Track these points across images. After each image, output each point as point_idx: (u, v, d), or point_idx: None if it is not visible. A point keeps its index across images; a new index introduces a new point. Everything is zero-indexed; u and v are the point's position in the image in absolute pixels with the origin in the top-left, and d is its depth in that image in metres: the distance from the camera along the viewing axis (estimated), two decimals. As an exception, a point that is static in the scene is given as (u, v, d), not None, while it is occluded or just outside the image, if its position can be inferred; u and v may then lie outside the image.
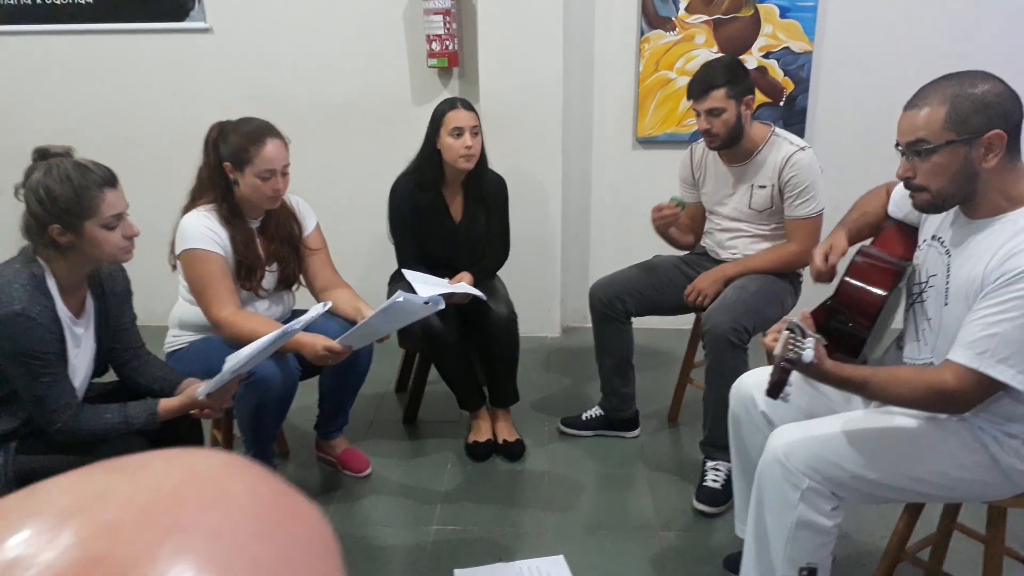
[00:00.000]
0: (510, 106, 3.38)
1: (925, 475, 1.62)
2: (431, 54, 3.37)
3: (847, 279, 1.83)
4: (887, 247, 1.89)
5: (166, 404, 1.81)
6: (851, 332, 1.80)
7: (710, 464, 2.45)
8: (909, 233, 1.87)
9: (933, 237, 1.74)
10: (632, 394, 2.78)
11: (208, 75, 3.54)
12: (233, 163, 2.23)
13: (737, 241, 2.62)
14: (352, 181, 3.61)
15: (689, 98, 2.47)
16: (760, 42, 3.37)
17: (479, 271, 2.76)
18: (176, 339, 2.36)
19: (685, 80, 3.41)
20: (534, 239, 3.54)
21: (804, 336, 1.65)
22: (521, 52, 3.31)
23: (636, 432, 2.82)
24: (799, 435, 1.68)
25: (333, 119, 3.57)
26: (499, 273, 2.90)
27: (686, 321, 2.83)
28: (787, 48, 3.36)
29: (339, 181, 3.62)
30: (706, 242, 2.76)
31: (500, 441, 2.70)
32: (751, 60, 3.38)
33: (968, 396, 1.51)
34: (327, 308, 1.98)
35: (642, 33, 3.39)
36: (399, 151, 3.57)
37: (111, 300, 1.91)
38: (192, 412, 1.87)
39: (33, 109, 3.63)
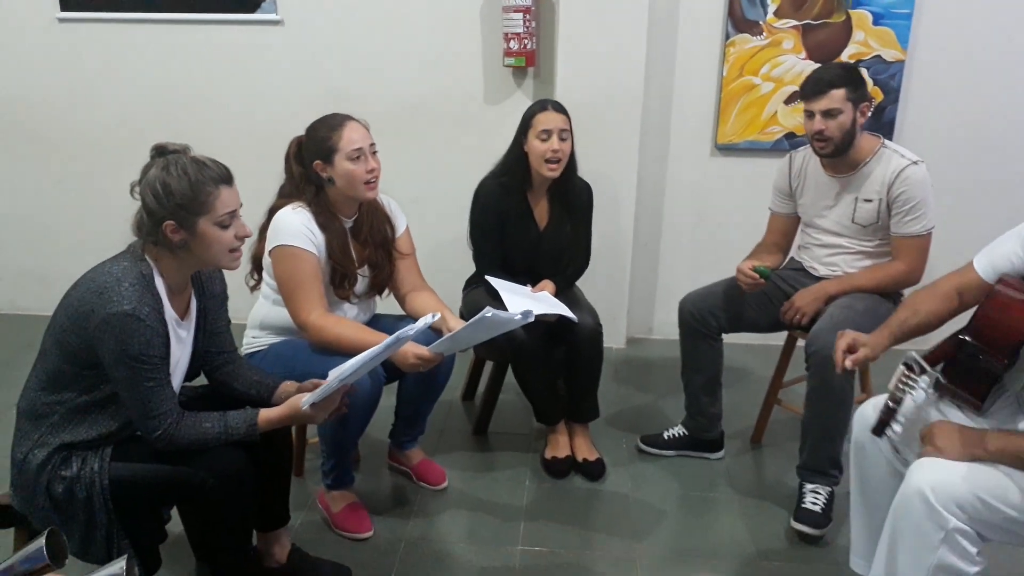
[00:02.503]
0: (587, 108, 3.27)
1: None
2: (508, 52, 3.28)
3: (985, 308, 1.71)
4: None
5: (266, 415, 1.72)
6: (982, 367, 1.68)
7: (809, 487, 2.33)
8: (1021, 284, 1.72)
9: None
10: (719, 414, 2.66)
11: (278, 68, 3.47)
12: (322, 158, 2.15)
13: (838, 258, 2.50)
14: (421, 181, 3.52)
15: (803, 97, 2.35)
16: (850, 49, 3.24)
17: (561, 280, 2.66)
18: (255, 340, 2.28)
19: (770, 86, 3.32)
20: (604, 246, 3.41)
21: (921, 372, 1.54)
22: (602, 52, 3.21)
23: (720, 454, 2.71)
24: (949, 469, 1.55)
25: (403, 117, 3.48)
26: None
27: (763, 339, 2.71)
28: (878, 56, 3.23)
29: (408, 180, 3.51)
30: (802, 257, 2.64)
31: (580, 459, 2.60)
32: (840, 68, 3.24)
33: None
34: (436, 319, 1.88)
35: (727, 36, 3.27)
36: (470, 151, 3.51)
37: (210, 302, 1.83)
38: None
39: (103, 97, 3.57)
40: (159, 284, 1.65)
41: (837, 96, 2.28)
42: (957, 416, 1.75)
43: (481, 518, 2.36)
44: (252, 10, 3.38)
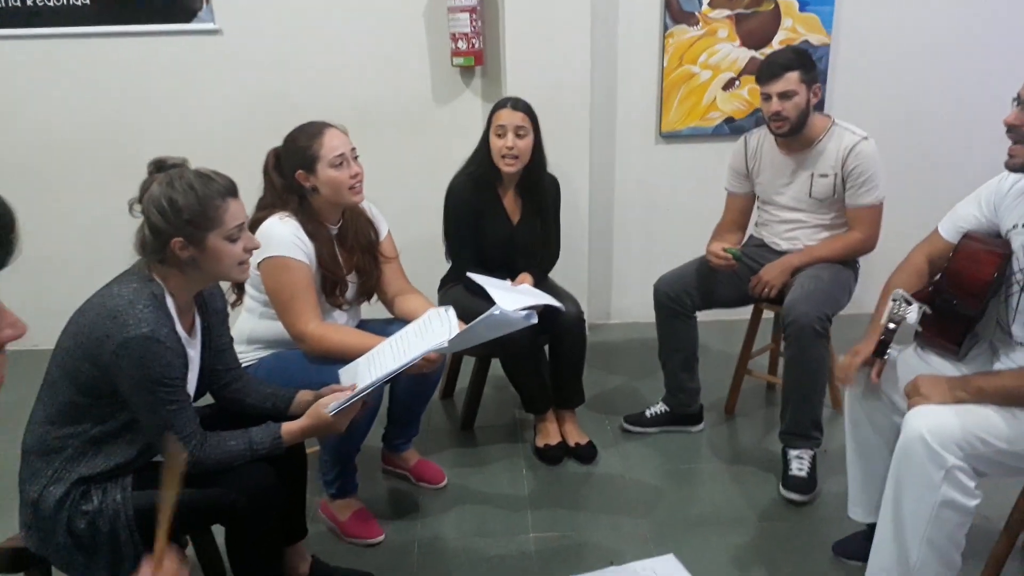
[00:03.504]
0: (536, 103, 3.30)
1: None
2: (456, 52, 3.30)
3: (954, 260, 1.86)
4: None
5: (290, 428, 1.70)
6: (957, 312, 1.84)
7: (793, 453, 2.46)
8: (986, 238, 1.89)
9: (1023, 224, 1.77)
10: (698, 389, 2.78)
11: (218, 79, 3.38)
12: (304, 168, 2.13)
13: (798, 232, 2.65)
14: (374, 185, 3.44)
15: (759, 81, 2.48)
16: (780, 35, 3.42)
17: (537, 272, 2.72)
18: (244, 355, 2.22)
19: (708, 74, 3.46)
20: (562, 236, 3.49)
21: (908, 304, 1.72)
22: (549, 49, 3.27)
23: (701, 426, 2.82)
24: (942, 413, 1.69)
25: (352, 122, 3.36)
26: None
27: (718, 315, 2.82)
28: (806, 41, 3.43)
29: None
30: (762, 233, 2.78)
31: (572, 444, 2.66)
32: (772, 53, 3.42)
33: None
34: (452, 316, 1.89)
35: (666, 28, 3.40)
36: (422, 153, 3.53)
37: (214, 319, 1.79)
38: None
39: (30, 117, 3.38)
40: (170, 304, 1.61)
41: (792, 78, 2.42)
42: (938, 363, 1.90)
43: (488, 511, 2.39)
44: (188, 20, 3.28)
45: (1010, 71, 3.46)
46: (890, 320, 1.71)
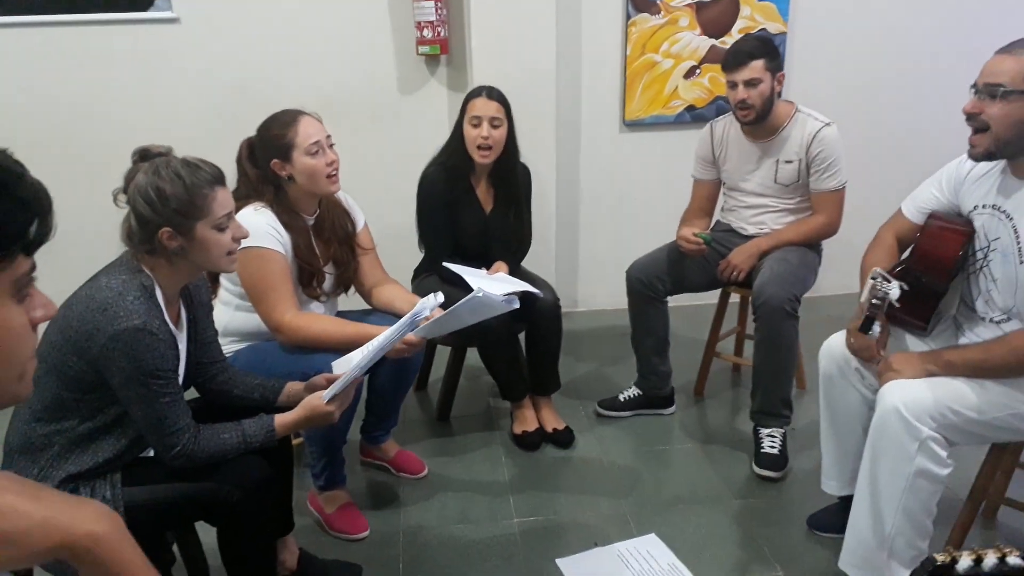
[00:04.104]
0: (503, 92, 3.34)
1: None
2: (421, 41, 3.29)
3: (922, 239, 1.95)
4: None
5: (283, 420, 1.68)
6: (926, 288, 1.92)
7: (764, 432, 2.54)
8: (950, 217, 1.98)
9: (984, 206, 1.85)
10: (670, 372, 2.84)
11: (178, 69, 3.30)
12: (280, 156, 2.11)
13: (764, 216, 2.72)
14: (340, 176, 3.45)
15: (725, 69, 2.53)
16: (739, 24, 3.50)
17: (511, 261, 2.73)
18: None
19: (670, 63, 3.52)
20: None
21: (887, 281, 1.80)
22: (514, 38, 3.28)
23: (672, 408, 2.88)
24: (916, 387, 1.76)
25: (316, 112, 3.40)
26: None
27: (681, 300, 2.88)
28: (764, 29, 3.51)
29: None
30: (728, 219, 2.84)
31: (550, 430, 2.69)
32: (731, 41, 3.48)
33: None
34: (440, 299, 1.89)
35: (629, 17, 3.44)
36: (387, 142, 3.51)
37: (200, 311, 1.76)
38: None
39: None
40: (159, 295, 1.58)
41: (757, 66, 2.48)
42: (907, 340, 1.99)
43: (469, 498, 2.41)
44: (144, 8, 3.19)
45: (965, 57, 3.60)
46: (872, 297, 1.78)
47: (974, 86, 1.76)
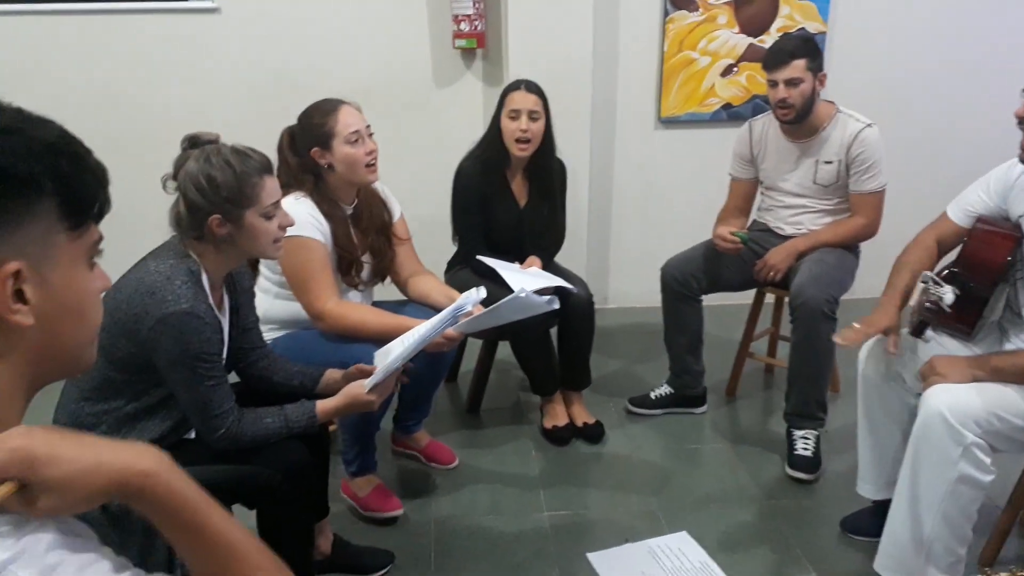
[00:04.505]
0: (539, 88, 3.34)
1: None
2: (459, 35, 3.29)
3: (969, 243, 1.92)
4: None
5: (324, 406, 1.70)
6: (972, 294, 1.90)
7: (798, 433, 2.52)
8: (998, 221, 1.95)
9: None
10: (703, 371, 2.82)
11: (216, 58, 3.33)
12: (320, 145, 2.13)
13: (802, 217, 2.70)
14: (375, 167, 3.48)
15: (766, 68, 2.52)
16: (778, 23, 3.47)
17: (544, 256, 2.73)
18: (259, 336, 2.23)
19: (707, 60, 3.50)
20: (561, 221, 3.52)
21: (938, 284, 1.77)
22: (551, 33, 3.27)
23: (704, 408, 2.87)
24: (961, 391, 1.74)
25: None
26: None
27: (720, 299, 2.87)
28: (803, 29, 3.47)
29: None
30: (766, 218, 2.82)
31: (580, 424, 2.69)
32: (769, 40, 3.46)
33: None
34: (483, 295, 1.89)
35: (667, 13, 3.42)
36: (422, 134, 3.52)
37: (243, 297, 1.79)
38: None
39: (24, 96, 3.25)
40: (204, 281, 1.60)
41: (798, 66, 2.46)
42: (951, 344, 1.96)
43: (500, 490, 2.42)
44: (185, -3, 3.23)
45: (1007, 57, 3.57)
46: (926, 300, 1.76)
47: None
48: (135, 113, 3.34)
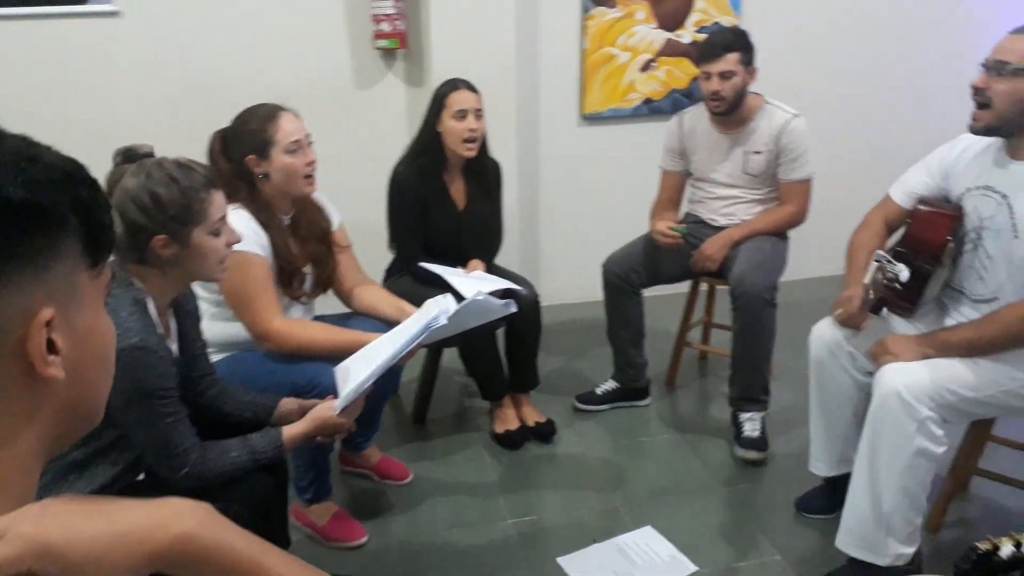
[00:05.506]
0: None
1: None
2: (380, 35, 3.20)
3: (912, 224, 2.01)
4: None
5: (291, 432, 1.61)
6: (917, 272, 1.98)
7: (745, 416, 2.58)
8: (938, 202, 2.05)
9: (976, 187, 1.93)
10: (646, 363, 2.85)
11: (119, 65, 3.11)
12: (257, 152, 2.02)
13: (735, 207, 2.76)
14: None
15: (701, 60, 2.56)
16: (694, 17, 3.54)
17: (485, 258, 2.69)
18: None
19: (627, 56, 3.54)
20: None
21: (891, 263, 1.85)
22: (474, 31, 3.23)
23: (648, 400, 2.90)
24: (914, 369, 1.81)
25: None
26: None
27: (651, 291, 2.91)
28: (717, 23, 3.56)
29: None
30: (698, 210, 2.87)
31: (532, 424, 2.67)
32: (686, 35, 3.54)
33: None
34: (451, 305, 1.83)
35: (586, 10, 3.43)
36: (344, 139, 3.40)
37: (188, 322, 1.67)
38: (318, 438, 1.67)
39: None
40: (151, 308, 1.48)
41: (732, 59, 2.52)
42: (898, 323, 2.05)
43: (460, 501, 2.37)
44: (82, 1, 3.00)
45: (915, 47, 3.77)
46: (884, 279, 1.82)
47: (984, 63, 1.82)
48: (38, 126, 3.07)
